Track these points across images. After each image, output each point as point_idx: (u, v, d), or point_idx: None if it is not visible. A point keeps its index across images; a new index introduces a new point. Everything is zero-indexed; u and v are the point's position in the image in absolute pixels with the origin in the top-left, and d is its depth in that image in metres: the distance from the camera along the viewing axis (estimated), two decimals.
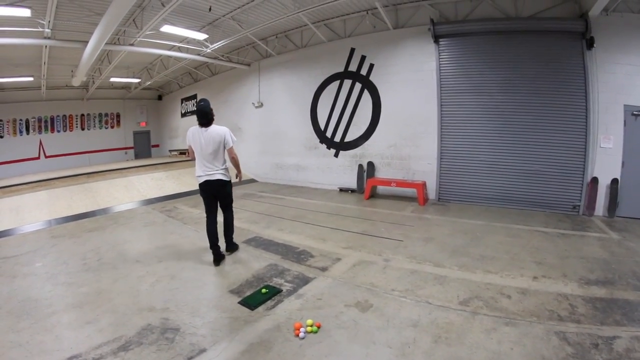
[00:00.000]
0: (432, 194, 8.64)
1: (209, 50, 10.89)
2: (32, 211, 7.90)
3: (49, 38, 8.46)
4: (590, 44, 6.93)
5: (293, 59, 11.22)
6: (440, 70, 8.41)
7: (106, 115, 17.87)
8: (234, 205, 5.05)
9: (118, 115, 18.38)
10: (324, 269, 4.43)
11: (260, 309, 3.45)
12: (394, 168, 9.20)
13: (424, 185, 8.41)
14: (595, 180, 7.05)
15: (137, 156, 18.91)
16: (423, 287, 3.86)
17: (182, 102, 17.31)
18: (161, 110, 19.59)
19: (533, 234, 5.78)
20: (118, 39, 9.76)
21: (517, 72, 7.68)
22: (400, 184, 8.63)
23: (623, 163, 6.98)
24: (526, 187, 7.65)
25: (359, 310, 3.39)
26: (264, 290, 3.78)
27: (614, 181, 6.91)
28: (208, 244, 4.68)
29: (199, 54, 11.58)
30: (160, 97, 19.60)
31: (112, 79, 14.61)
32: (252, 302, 3.57)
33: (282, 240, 5.71)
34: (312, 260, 4.75)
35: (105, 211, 8.29)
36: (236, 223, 6.66)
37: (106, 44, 8.82)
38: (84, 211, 8.12)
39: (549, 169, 7.46)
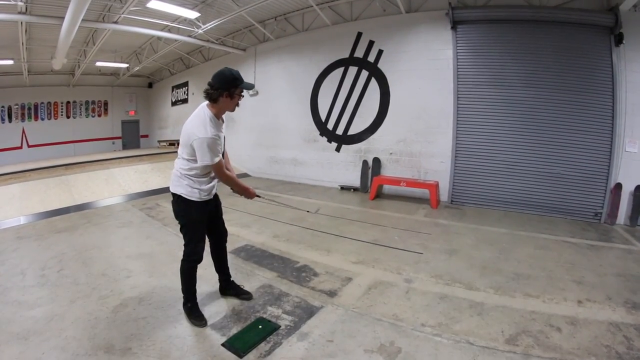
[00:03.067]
0: (444, 195, 7.85)
1: (200, 32, 9.94)
2: (2, 207, 7.03)
3: (23, 13, 7.54)
4: (619, 40, 6.38)
5: (293, 43, 10.25)
6: (457, 59, 7.57)
7: (93, 103, 16.88)
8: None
9: (106, 103, 17.37)
10: (332, 294, 3.55)
11: (251, 355, 2.58)
12: (403, 165, 8.34)
13: (437, 185, 7.59)
14: (619, 187, 6.54)
15: (125, 147, 17.93)
16: (459, 320, 3.07)
17: (172, 90, 16.28)
18: (151, 99, 18.53)
19: (562, 245, 5.24)
20: (103, 17, 8.78)
21: (540, 65, 6.98)
22: (411, 183, 7.79)
23: None
24: (547, 191, 7.03)
25: (384, 358, 2.55)
26: (260, 326, 2.92)
27: (638, 188, 6.44)
28: None
29: (190, 36, 10.55)
30: (150, 85, 18.54)
31: (99, 64, 13.61)
32: (241, 344, 2.69)
33: (278, 250, 4.82)
34: (317, 281, 3.87)
35: (80, 207, 7.42)
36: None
37: (88, 20, 7.92)
38: (58, 207, 7.26)
39: (572, 173, 6.88)
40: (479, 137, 7.47)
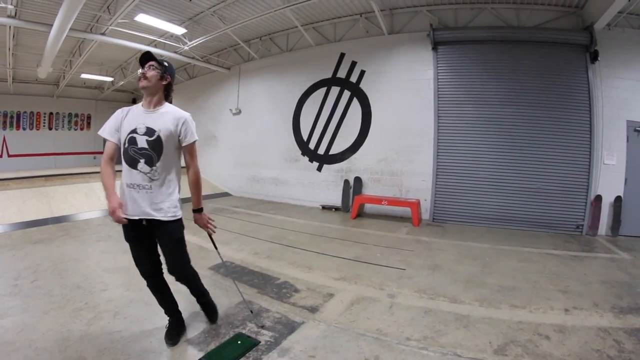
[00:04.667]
0: (425, 213, 7.84)
1: (187, 48, 9.88)
2: None
3: (12, 17, 7.38)
4: (594, 57, 6.74)
5: (277, 63, 10.33)
6: (438, 79, 7.78)
7: (76, 115, 16.36)
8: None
9: (89, 117, 16.85)
10: (313, 310, 3.41)
11: None
12: (384, 184, 8.34)
13: (418, 203, 7.58)
14: (599, 199, 6.76)
15: None
16: (445, 333, 2.99)
17: None
18: None
19: (545, 257, 5.30)
20: (91, 27, 8.70)
21: (519, 83, 7.25)
22: (393, 202, 7.74)
23: (626, 180, 6.80)
24: (528, 206, 7.17)
25: None
26: (239, 342, 2.76)
27: (617, 199, 6.69)
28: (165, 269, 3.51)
29: (176, 52, 10.50)
30: (134, 101, 18.15)
31: (84, 76, 13.28)
32: None
33: (259, 267, 4.66)
34: (298, 297, 3.72)
35: (58, 220, 7.17)
36: (204, 243, 5.53)
37: (76, 30, 7.81)
38: (35, 218, 7.02)
39: (552, 187, 7.06)
40: (459, 155, 7.58)
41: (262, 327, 3.02)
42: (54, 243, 5.55)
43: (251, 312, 3.24)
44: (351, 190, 8.71)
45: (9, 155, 14.14)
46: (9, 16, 7.30)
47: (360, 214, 8.23)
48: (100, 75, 13.61)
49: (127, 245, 2.52)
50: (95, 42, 9.23)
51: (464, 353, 2.65)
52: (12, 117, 14.22)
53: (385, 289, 3.97)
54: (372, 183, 8.52)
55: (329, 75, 9.20)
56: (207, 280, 4.10)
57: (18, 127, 14.46)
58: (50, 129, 15.48)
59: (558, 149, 6.98)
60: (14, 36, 9.35)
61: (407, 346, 2.75)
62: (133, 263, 2.59)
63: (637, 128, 6.77)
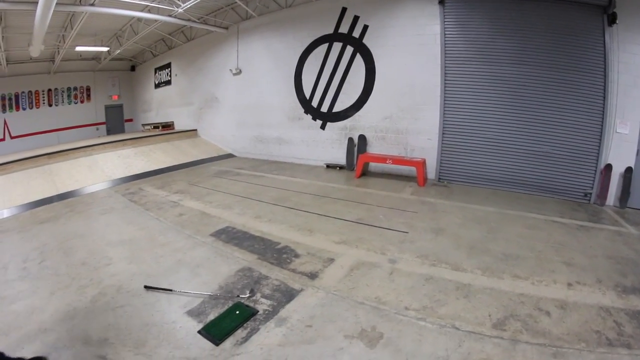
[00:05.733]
0: (431, 173, 7.68)
1: (180, 10, 9.40)
2: None
3: None
4: (612, 19, 6.18)
5: (276, 20, 9.82)
6: (444, 34, 7.30)
7: (75, 89, 16.09)
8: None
9: (88, 89, 16.58)
10: (313, 276, 3.42)
11: (228, 342, 2.48)
12: (389, 143, 8.14)
13: (423, 163, 7.41)
14: (609, 167, 6.42)
15: (110, 132, 17.24)
16: (445, 303, 2.96)
17: (155, 72, 15.65)
18: (135, 82, 17.82)
19: (552, 225, 5.06)
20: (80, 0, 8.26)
21: (530, 42, 6.76)
22: (398, 161, 7.57)
23: (638, 151, 6.37)
24: (536, 170, 6.91)
25: (365, 344, 2.45)
26: (237, 312, 2.80)
27: (628, 170, 6.33)
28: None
29: (170, 15, 10.04)
30: (133, 68, 17.76)
31: (78, 48, 12.87)
32: (217, 331, 2.59)
33: (260, 231, 4.66)
34: (298, 262, 3.73)
35: (63, 196, 7.17)
36: (206, 208, 5.48)
37: (63, 4, 7.50)
38: (41, 198, 7.04)
39: (561, 152, 6.74)
40: (466, 114, 7.27)
41: (261, 295, 3.04)
42: (60, 221, 5.60)
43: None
44: (355, 149, 8.56)
45: (12, 137, 14.11)
46: None
47: (365, 173, 8.14)
48: (95, 46, 13.17)
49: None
50: (85, 13, 8.83)
51: (462, 326, 2.63)
52: (10, 99, 14.02)
53: (386, 253, 3.93)
54: (377, 141, 8.32)
55: (330, 30, 8.72)
56: (208, 247, 4.17)
57: (18, 108, 14.31)
58: (50, 105, 15.29)
59: (569, 112, 6.62)
60: (1, 19, 9.03)
61: (405, 316, 2.76)
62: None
63: None
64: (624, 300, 3.10)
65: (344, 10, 8.46)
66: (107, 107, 17.36)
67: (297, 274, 3.45)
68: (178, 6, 9.20)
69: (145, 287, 3.19)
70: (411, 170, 7.52)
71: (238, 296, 3.02)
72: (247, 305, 2.88)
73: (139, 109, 17.61)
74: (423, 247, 4.08)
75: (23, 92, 14.39)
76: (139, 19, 10.90)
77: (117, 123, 17.88)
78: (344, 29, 8.51)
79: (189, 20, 10.61)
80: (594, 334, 2.59)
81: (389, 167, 7.88)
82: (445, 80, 7.35)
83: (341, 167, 8.81)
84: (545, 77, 6.69)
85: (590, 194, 6.60)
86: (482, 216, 5.32)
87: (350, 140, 8.65)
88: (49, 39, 10.85)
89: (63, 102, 15.74)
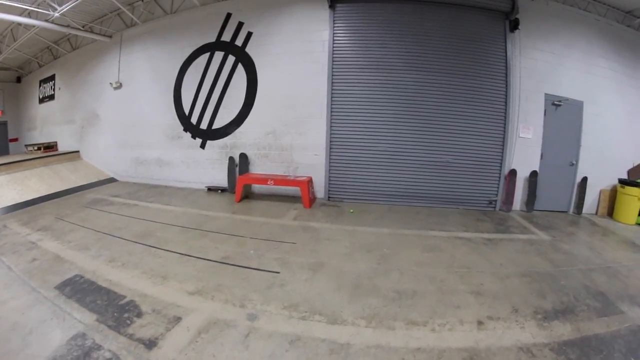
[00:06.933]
0: (320, 192, 7.07)
1: (57, 15, 8.20)
2: None
3: None
4: (514, 25, 6.40)
5: (159, 27, 8.91)
6: (334, 41, 6.92)
7: None
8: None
9: None
10: (151, 344, 2.64)
11: None
12: (273, 161, 7.42)
13: (309, 182, 6.73)
14: (513, 173, 6.50)
15: None
16: None
17: (40, 85, 13.85)
18: (20, 96, 15.69)
19: (455, 243, 4.65)
20: None
21: (427, 48, 6.59)
22: (280, 181, 6.81)
23: (542, 155, 6.59)
24: (436, 181, 6.67)
25: None
26: None
27: (533, 174, 6.49)
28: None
29: (47, 20, 8.74)
30: (19, 79, 15.77)
31: None
32: None
33: (108, 281, 3.71)
34: (138, 324, 2.90)
35: None
36: (62, 251, 4.67)
37: None
38: None
39: (463, 160, 6.62)
40: (357, 125, 6.83)
41: None
42: None
43: None
44: (237, 169, 7.69)
45: None
46: None
47: (248, 196, 7.27)
48: None
49: None
50: None
51: None
52: None
53: (246, 305, 3.21)
54: (260, 159, 7.56)
55: (212, 39, 7.99)
56: (48, 306, 3.24)
57: None
58: None
59: (470, 119, 6.52)
60: None
61: None
62: None
63: (555, 102, 6.54)
64: (547, 331, 2.75)
65: (228, 15, 7.81)
66: None
67: (134, 342, 2.69)
68: (54, 10, 8.04)
69: None
70: (298, 190, 6.75)
71: None
72: None
73: (24, 127, 15.48)
74: (294, 292, 3.41)
75: None
76: (19, 24, 9.51)
77: (0, 143, 15.58)
78: (226, 36, 7.82)
79: (68, 26, 9.35)
80: None
81: (274, 188, 7.06)
82: (332, 90, 6.88)
83: (223, 190, 7.87)
84: (445, 83, 6.53)
85: (496, 201, 6.53)
86: (374, 241, 4.75)
87: (232, 159, 7.78)
88: None
89: None
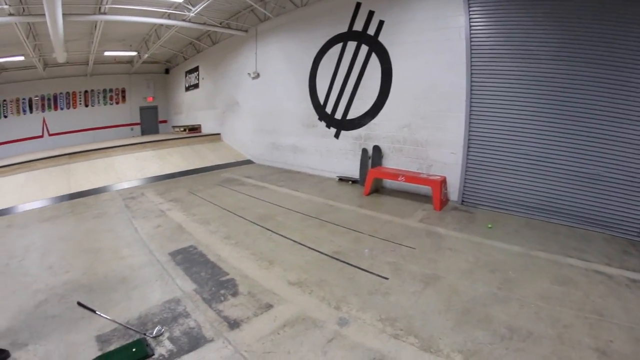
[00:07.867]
0: (454, 193, 6.84)
1: (192, 15, 9.64)
2: (5, 196, 7.60)
3: (12, 15, 7.77)
4: None
5: (291, 20, 9.69)
6: (470, 27, 6.48)
7: (111, 91, 17.49)
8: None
9: (123, 91, 17.93)
10: (234, 325, 2.96)
11: None
12: (407, 156, 7.51)
13: (442, 182, 6.61)
14: None
15: (144, 132, 18.49)
16: None
17: (186, 75, 16.37)
18: (168, 85, 18.84)
19: (592, 278, 3.78)
20: (99, 8, 8.77)
21: (576, 33, 5.57)
22: (412, 179, 6.82)
23: None
24: (582, 196, 5.63)
25: None
26: (134, 349, 2.61)
27: None
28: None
29: (184, 20, 10.27)
30: (167, 71, 18.78)
31: (107, 53, 13.88)
32: None
33: (217, 256, 4.41)
34: (230, 303, 3.31)
35: (73, 196, 7.83)
36: (185, 222, 5.66)
37: (73, 14, 8.15)
38: (54, 196, 7.77)
39: (615, 175, 5.37)
40: (497, 123, 6.35)
41: (168, 337, 2.80)
42: (57, 221, 6.07)
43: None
44: (369, 161, 8.04)
45: (50, 134, 15.67)
46: (9, 14, 7.70)
47: (378, 190, 7.61)
48: (124, 51, 14.16)
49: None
50: (100, 22, 9.47)
51: None
52: (49, 99, 15.59)
53: (342, 308, 3.20)
54: (393, 153, 7.74)
55: (344, 29, 8.35)
56: (157, 268, 4.12)
57: (56, 108, 15.87)
58: (86, 106, 16.76)
59: (627, 124, 5.26)
60: (30, 29, 9.89)
61: None
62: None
63: None
64: None
65: (358, 5, 8.05)
66: (141, 109, 18.65)
67: (220, 319, 3.04)
68: (189, 10, 9.49)
69: (78, 303, 3.20)
70: (429, 190, 6.71)
71: (145, 333, 2.75)
72: (147, 345, 2.64)
73: (172, 111, 18.45)
74: (396, 305, 3.22)
75: (61, 93, 15.90)
76: (161, 25, 11.38)
77: (151, 124, 19.13)
78: (358, 26, 8.10)
79: (204, 24, 10.80)
80: None
81: (404, 184, 7.22)
82: (472, 81, 6.50)
83: (354, 181, 8.33)
84: (597, 77, 5.44)
85: None
86: (500, 260, 4.21)
87: (364, 151, 8.16)
88: (78, 45, 11.73)
89: (99, 103, 17.18)
